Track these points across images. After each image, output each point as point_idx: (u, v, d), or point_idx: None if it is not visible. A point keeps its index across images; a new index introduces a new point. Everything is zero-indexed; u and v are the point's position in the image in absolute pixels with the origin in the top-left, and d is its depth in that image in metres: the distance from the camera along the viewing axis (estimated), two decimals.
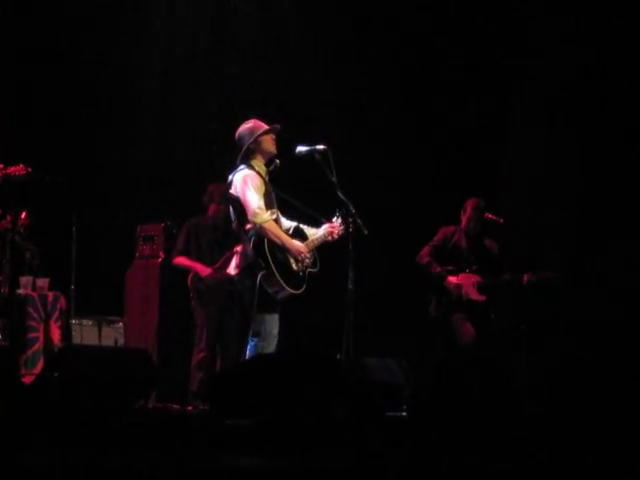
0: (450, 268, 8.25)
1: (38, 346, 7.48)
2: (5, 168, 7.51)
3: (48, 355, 7.36)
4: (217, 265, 7.83)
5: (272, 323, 6.55)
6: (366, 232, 6.57)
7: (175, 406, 7.53)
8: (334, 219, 6.76)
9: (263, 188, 6.54)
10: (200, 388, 7.70)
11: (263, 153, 6.67)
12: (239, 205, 6.51)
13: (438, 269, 8.23)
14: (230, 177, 6.63)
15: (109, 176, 9.37)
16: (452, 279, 8.21)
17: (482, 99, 9.61)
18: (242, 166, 6.61)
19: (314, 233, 6.79)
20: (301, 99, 9.68)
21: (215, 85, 9.89)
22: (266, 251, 6.42)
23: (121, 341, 8.22)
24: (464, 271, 8.26)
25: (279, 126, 6.71)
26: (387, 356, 6.86)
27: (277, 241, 6.48)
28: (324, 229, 6.77)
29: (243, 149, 6.62)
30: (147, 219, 8.84)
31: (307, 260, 6.62)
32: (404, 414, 5.84)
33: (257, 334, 6.48)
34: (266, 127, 6.67)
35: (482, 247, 8.35)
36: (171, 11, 9.80)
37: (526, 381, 8.03)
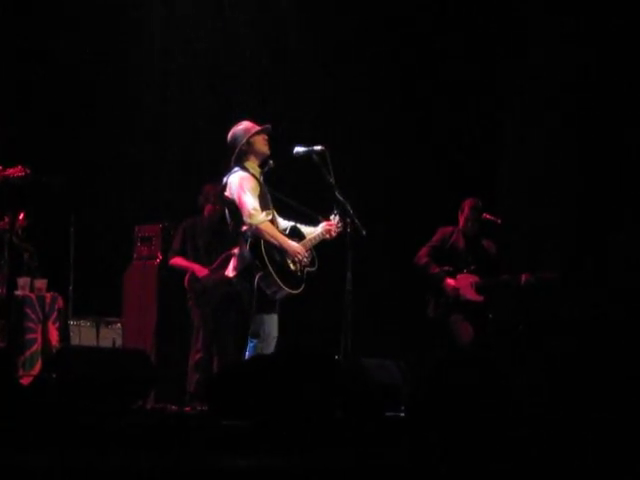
0: (448, 269, 8.24)
1: (36, 347, 7.47)
2: (4, 170, 7.49)
3: (46, 356, 7.36)
4: (214, 266, 7.83)
5: (271, 324, 6.52)
6: (364, 232, 6.56)
7: (173, 407, 7.53)
8: (331, 217, 6.73)
9: (258, 189, 6.52)
10: (197, 389, 7.69)
11: (256, 154, 6.64)
12: (234, 207, 6.48)
13: (436, 270, 8.21)
14: (224, 180, 6.60)
15: (107, 177, 9.37)
16: (450, 281, 8.19)
17: (482, 99, 9.60)
18: (236, 168, 6.58)
19: (311, 232, 6.77)
20: (301, 99, 9.66)
21: (215, 85, 9.88)
22: (263, 252, 6.39)
23: (119, 342, 8.23)
24: (462, 271, 8.24)
25: (270, 126, 6.68)
26: (386, 356, 6.85)
27: (273, 242, 6.46)
28: (322, 227, 6.75)
29: (236, 151, 6.58)
30: (145, 220, 8.84)
31: (305, 260, 6.60)
32: (403, 414, 5.83)
33: (256, 335, 6.47)
34: (258, 128, 6.64)
35: (480, 247, 8.34)
36: (171, 11, 9.80)
37: (525, 381, 8.01)
